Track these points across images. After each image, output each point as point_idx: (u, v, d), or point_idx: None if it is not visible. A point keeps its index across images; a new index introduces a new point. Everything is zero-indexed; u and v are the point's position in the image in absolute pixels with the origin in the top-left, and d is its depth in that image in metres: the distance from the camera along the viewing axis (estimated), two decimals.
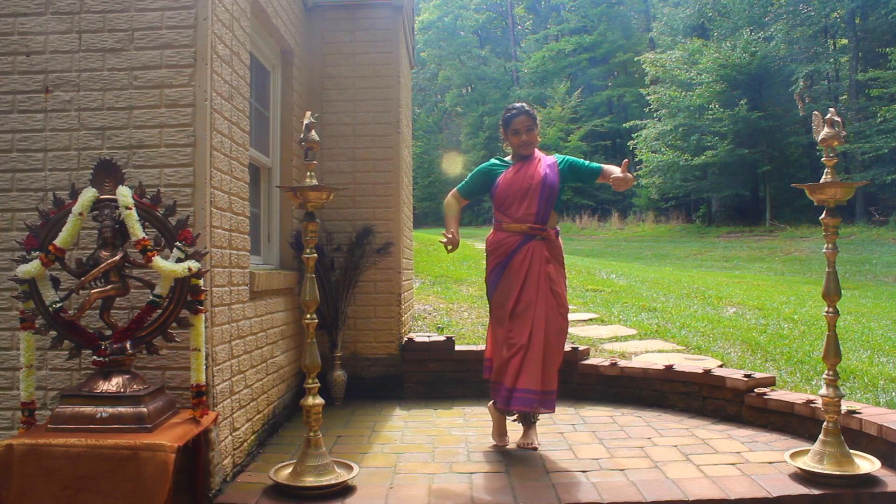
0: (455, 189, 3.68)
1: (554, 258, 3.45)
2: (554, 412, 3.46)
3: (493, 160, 3.64)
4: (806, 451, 2.87)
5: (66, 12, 2.70)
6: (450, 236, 3.39)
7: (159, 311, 2.45)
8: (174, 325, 2.47)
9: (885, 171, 18.70)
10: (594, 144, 30.41)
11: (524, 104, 3.58)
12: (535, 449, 3.37)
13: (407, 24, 5.32)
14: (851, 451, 2.80)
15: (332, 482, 2.67)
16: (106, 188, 2.46)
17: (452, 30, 37.18)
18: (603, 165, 3.53)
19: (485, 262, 3.61)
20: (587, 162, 3.58)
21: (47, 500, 2.10)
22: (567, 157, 3.60)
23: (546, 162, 3.52)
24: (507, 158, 3.62)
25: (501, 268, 3.42)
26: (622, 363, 4.39)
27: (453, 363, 4.61)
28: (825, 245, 2.85)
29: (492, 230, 3.56)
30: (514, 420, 3.55)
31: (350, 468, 2.82)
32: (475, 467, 3.06)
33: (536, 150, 3.55)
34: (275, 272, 3.77)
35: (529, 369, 3.23)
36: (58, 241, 2.38)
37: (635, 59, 27.65)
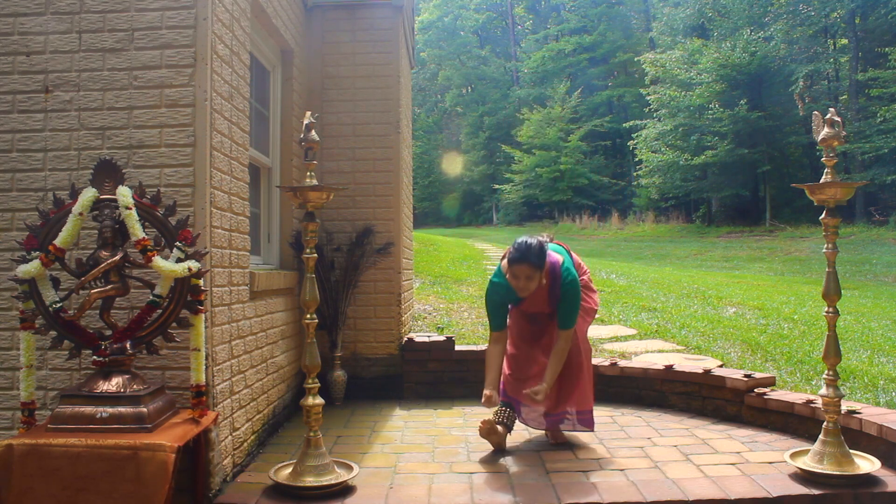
0: (491, 332, 3.44)
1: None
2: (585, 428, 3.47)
3: (497, 287, 3.38)
4: (806, 451, 2.87)
5: (66, 12, 2.70)
6: (488, 394, 3.26)
7: (159, 311, 2.45)
8: (174, 325, 2.47)
9: (885, 171, 18.70)
10: (594, 144, 30.43)
11: (532, 249, 3.21)
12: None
13: (407, 24, 5.32)
14: (851, 451, 2.80)
15: (332, 482, 2.67)
16: (106, 188, 2.45)
17: (452, 30, 37.19)
18: (569, 329, 3.30)
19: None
20: (572, 311, 3.30)
21: (47, 500, 2.10)
22: (571, 286, 3.29)
23: (555, 287, 3.32)
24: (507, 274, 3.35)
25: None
26: (622, 363, 4.39)
27: (453, 363, 4.61)
28: (825, 245, 2.85)
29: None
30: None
31: (350, 468, 2.82)
32: (475, 467, 3.06)
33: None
34: (275, 272, 3.77)
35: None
36: (58, 241, 2.38)
37: (635, 59, 27.67)
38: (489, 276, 3.57)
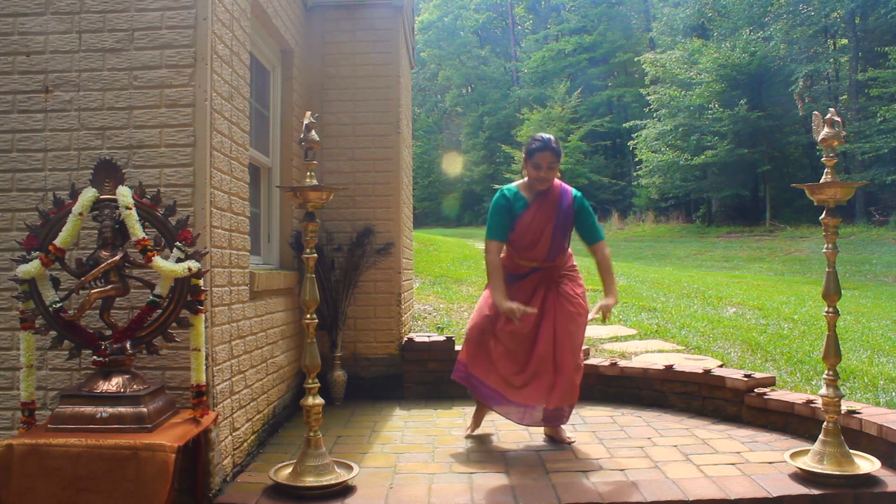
0: (489, 241, 3.39)
1: (566, 276, 3.50)
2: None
3: (505, 192, 3.43)
4: (806, 451, 2.87)
5: (66, 12, 2.70)
6: (514, 306, 3.23)
7: (159, 311, 2.45)
8: (174, 325, 2.47)
9: (885, 171, 18.70)
10: (594, 144, 30.41)
11: (552, 138, 3.36)
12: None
13: (407, 24, 5.32)
14: (851, 451, 2.80)
15: (332, 482, 2.67)
16: (106, 188, 2.45)
17: (452, 30, 37.17)
18: (602, 240, 3.47)
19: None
20: (595, 222, 3.47)
21: (47, 500, 2.10)
22: (583, 200, 3.45)
23: (564, 201, 3.43)
24: (517, 187, 3.46)
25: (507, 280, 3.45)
26: (622, 363, 4.39)
27: (453, 363, 4.58)
28: (825, 245, 2.85)
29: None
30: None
31: (350, 468, 2.82)
32: (475, 467, 3.06)
33: (556, 182, 3.45)
34: (275, 272, 3.77)
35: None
36: (58, 241, 2.38)
37: (635, 59, 27.66)
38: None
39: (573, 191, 3.49)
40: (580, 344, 3.43)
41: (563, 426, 3.51)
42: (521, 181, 3.52)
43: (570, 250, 3.61)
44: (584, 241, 3.51)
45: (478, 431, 3.67)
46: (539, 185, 3.38)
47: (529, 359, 3.38)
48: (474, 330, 3.50)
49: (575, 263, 3.60)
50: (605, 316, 3.33)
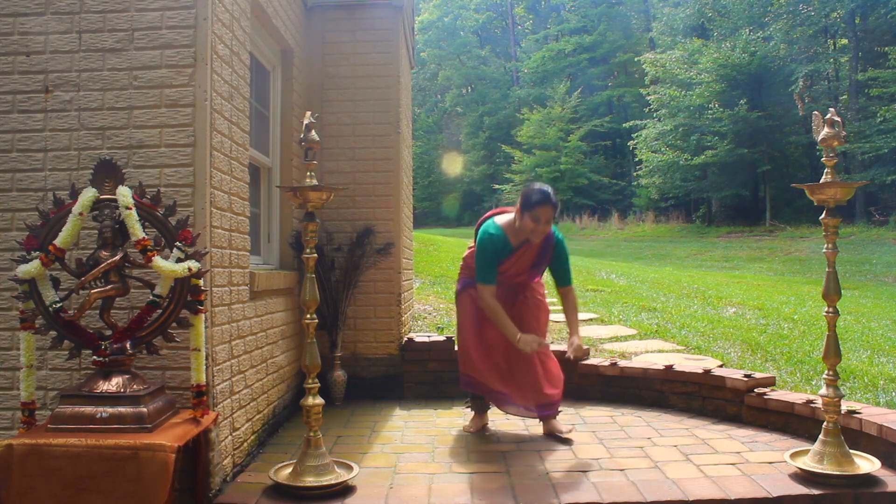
0: (482, 286, 3.43)
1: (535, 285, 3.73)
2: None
3: (493, 236, 3.43)
4: (806, 451, 2.87)
5: (66, 12, 2.70)
6: (529, 338, 3.36)
7: (159, 311, 2.45)
8: (174, 325, 2.47)
9: (885, 171, 18.71)
10: (594, 144, 30.43)
11: (551, 192, 3.36)
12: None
13: (407, 24, 5.32)
14: (851, 451, 2.80)
15: (332, 482, 2.67)
16: (106, 188, 2.45)
17: (452, 30, 37.19)
18: (570, 285, 3.61)
19: (460, 269, 3.79)
20: (568, 268, 3.62)
21: (47, 500, 2.10)
22: (563, 244, 3.58)
23: (547, 246, 3.52)
24: (504, 230, 3.45)
25: (473, 281, 3.58)
26: (622, 363, 4.39)
27: (453, 363, 4.56)
28: (825, 245, 2.85)
29: (469, 251, 3.72)
30: (466, 407, 3.84)
31: (350, 468, 2.82)
32: (475, 467, 3.06)
33: None
34: (275, 272, 3.77)
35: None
36: (58, 241, 2.38)
37: (635, 59, 27.68)
38: None
39: (555, 234, 3.56)
40: (544, 334, 3.69)
41: (556, 420, 3.57)
42: (506, 221, 3.50)
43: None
44: (556, 281, 3.65)
45: (478, 430, 3.69)
46: (534, 237, 3.40)
47: (512, 360, 3.56)
48: (467, 344, 3.62)
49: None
50: (577, 355, 3.49)
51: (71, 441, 2.15)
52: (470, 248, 3.75)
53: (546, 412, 3.56)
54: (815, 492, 2.64)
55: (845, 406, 3.12)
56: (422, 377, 4.60)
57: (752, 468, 2.95)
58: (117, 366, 2.38)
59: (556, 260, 3.56)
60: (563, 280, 3.61)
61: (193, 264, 2.40)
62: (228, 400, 2.90)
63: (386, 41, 4.69)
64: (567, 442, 3.44)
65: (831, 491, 2.64)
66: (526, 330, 3.45)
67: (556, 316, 6.16)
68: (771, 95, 22.35)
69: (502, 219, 3.53)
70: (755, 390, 3.71)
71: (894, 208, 18.77)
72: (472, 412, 3.79)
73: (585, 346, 3.41)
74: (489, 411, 3.80)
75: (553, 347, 4.64)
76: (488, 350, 3.57)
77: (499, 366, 3.57)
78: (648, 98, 24.62)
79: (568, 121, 29.13)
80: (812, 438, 3.05)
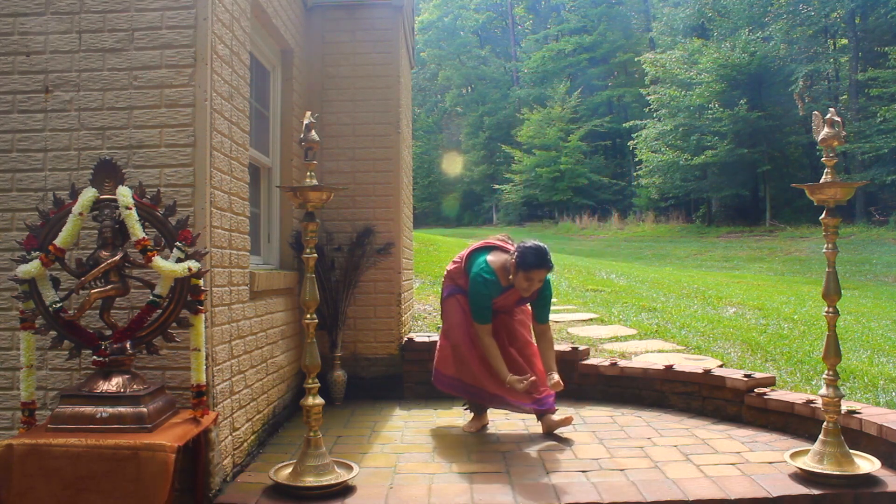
0: (480, 326, 3.57)
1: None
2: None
3: (487, 280, 3.54)
4: (806, 451, 2.87)
5: (66, 12, 2.70)
6: (516, 379, 3.46)
7: (159, 311, 2.45)
8: (174, 325, 2.47)
9: (885, 171, 18.71)
10: (594, 144, 30.43)
11: (548, 255, 3.50)
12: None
13: (407, 24, 5.32)
14: (851, 451, 2.80)
15: (332, 482, 2.67)
16: (106, 188, 2.45)
17: (452, 30, 37.18)
18: (548, 323, 3.72)
19: (443, 279, 3.89)
20: (549, 305, 3.73)
21: (47, 500, 2.10)
22: (548, 284, 3.67)
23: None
24: (495, 273, 3.57)
25: (459, 290, 3.71)
26: (622, 363, 4.39)
27: None
28: (825, 245, 2.85)
29: (453, 265, 3.82)
30: (465, 409, 3.90)
31: (350, 468, 2.82)
32: (475, 467, 3.06)
33: None
34: (275, 272, 3.77)
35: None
36: (58, 241, 2.38)
37: (635, 59, 27.68)
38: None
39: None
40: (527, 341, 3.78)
41: (554, 416, 3.61)
42: (499, 264, 3.60)
43: None
44: (535, 317, 3.75)
45: (478, 431, 3.71)
46: (525, 293, 3.57)
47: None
48: (461, 346, 3.68)
49: None
50: (555, 391, 3.56)
51: (71, 441, 2.15)
52: (455, 262, 3.85)
53: (543, 407, 3.59)
54: (815, 492, 2.63)
55: (845, 406, 3.12)
56: (422, 377, 4.59)
57: (752, 468, 2.95)
58: (117, 366, 2.38)
59: (540, 297, 3.67)
60: (541, 317, 3.70)
61: (193, 264, 2.40)
62: (228, 400, 2.90)
63: (386, 41, 4.69)
64: (567, 441, 3.44)
65: (831, 491, 2.64)
66: (509, 342, 3.70)
67: (556, 316, 6.16)
68: (771, 95, 22.35)
69: (494, 260, 3.61)
70: (755, 390, 3.71)
71: (894, 208, 18.78)
72: (472, 413, 3.80)
73: (562, 383, 3.53)
74: (489, 411, 3.81)
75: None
76: (480, 351, 3.63)
77: (490, 369, 3.61)
78: (648, 98, 24.61)
79: (568, 121, 29.13)
80: (812, 438, 3.05)
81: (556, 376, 3.52)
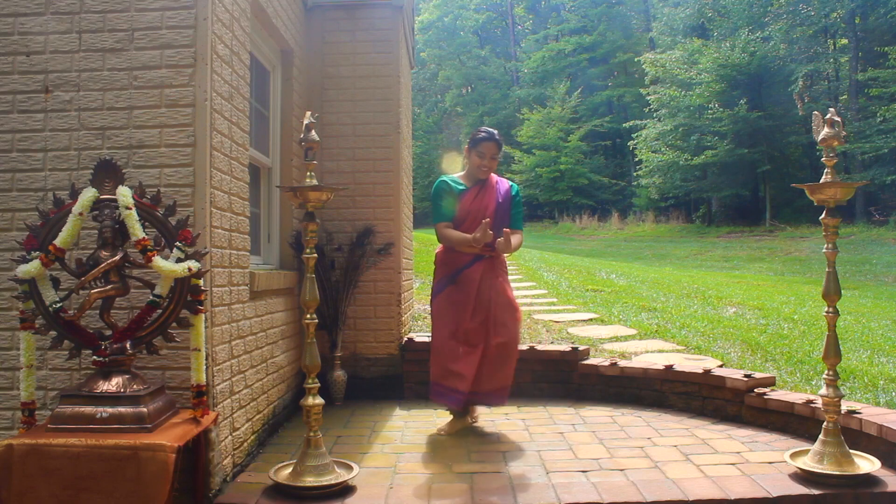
0: (440, 223, 3.66)
1: (501, 272, 3.73)
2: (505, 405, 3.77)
3: (446, 180, 3.70)
4: (806, 451, 2.87)
5: (66, 12, 2.70)
6: (479, 235, 3.40)
7: (159, 311, 2.45)
8: (174, 325, 2.47)
9: (885, 171, 18.71)
10: (594, 144, 30.42)
11: (496, 132, 3.72)
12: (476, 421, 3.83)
13: (407, 24, 5.32)
14: (851, 451, 2.80)
15: (332, 482, 2.67)
16: (106, 188, 2.45)
17: (452, 30, 37.17)
18: (520, 230, 3.71)
19: (433, 273, 3.85)
20: (521, 215, 3.77)
21: (48, 500, 2.10)
22: (519, 193, 3.78)
23: (502, 188, 3.72)
24: (459, 177, 3.73)
25: (448, 281, 3.68)
26: (622, 363, 4.39)
27: None
28: (825, 245, 2.85)
29: (441, 246, 3.77)
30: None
31: (350, 468, 2.82)
32: (475, 467, 3.06)
33: (493, 175, 3.73)
34: (275, 272, 3.77)
35: (488, 371, 3.58)
36: (58, 241, 2.38)
37: (635, 59, 27.67)
38: None
39: (513, 185, 3.80)
40: (515, 337, 3.69)
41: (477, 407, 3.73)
42: (459, 173, 3.79)
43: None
44: (509, 226, 3.71)
45: (478, 431, 3.70)
46: (480, 173, 3.66)
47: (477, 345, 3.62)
48: (444, 346, 3.67)
49: (505, 260, 3.85)
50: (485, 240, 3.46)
51: (71, 441, 2.15)
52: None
53: (500, 399, 3.64)
54: (815, 492, 2.64)
55: (845, 406, 3.13)
56: (422, 377, 4.58)
57: (752, 468, 2.95)
58: (117, 366, 2.38)
59: (512, 208, 3.72)
60: (514, 225, 3.70)
61: (193, 264, 2.40)
62: (228, 400, 2.90)
63: (386, 41, 4.69)
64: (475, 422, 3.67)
65: (831, 491, 2.64)
66: (499, 325, 3.59)
67: (556, 316, 6.16)
68: (771, 95, 22.35)
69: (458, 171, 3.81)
70: (755, 390, 3.71)
71: (894, 208, 18.77)
72: (451, 415, 3.76)
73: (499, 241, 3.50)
74: (489, 411, 3.82)
75: (553, 347, 4.66)
76: (466, 336, 3.61)
77: (475, 359, 3.59)
78: (648, 98, 24.61)
79: (568, 121, 29.12)
80: (812, 438, 3.05)
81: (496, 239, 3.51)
